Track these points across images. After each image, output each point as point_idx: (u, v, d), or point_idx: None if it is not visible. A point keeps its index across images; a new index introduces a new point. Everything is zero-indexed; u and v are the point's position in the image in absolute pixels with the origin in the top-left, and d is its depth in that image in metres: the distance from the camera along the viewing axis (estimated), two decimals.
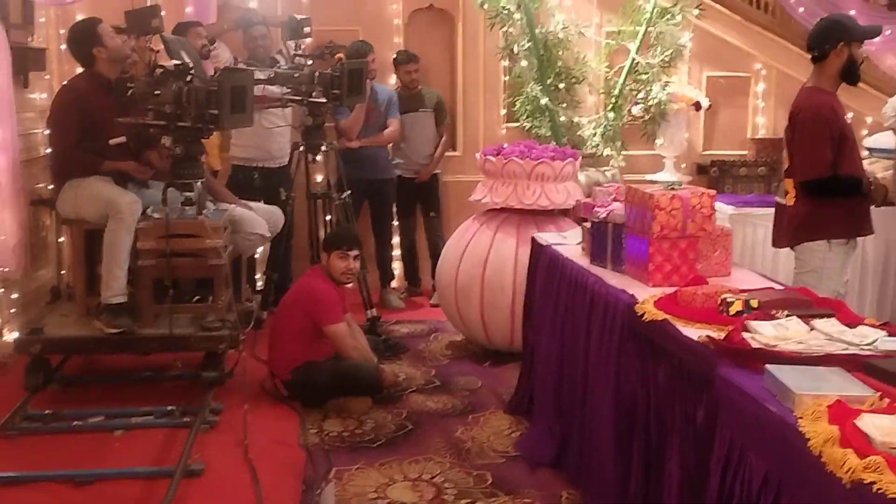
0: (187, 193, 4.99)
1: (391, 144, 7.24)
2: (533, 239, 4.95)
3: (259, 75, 5.63)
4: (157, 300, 5.10)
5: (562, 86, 7.48)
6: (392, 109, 7.06)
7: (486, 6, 7.18)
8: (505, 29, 7.30)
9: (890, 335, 2.91)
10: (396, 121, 7.06)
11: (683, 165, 7.83)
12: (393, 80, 7.49)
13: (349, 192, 6.32)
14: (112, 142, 5.06)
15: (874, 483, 1.95)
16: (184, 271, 5.12)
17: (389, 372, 5.38)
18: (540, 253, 4.76)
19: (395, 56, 7.34)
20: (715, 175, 7.46)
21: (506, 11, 7.15)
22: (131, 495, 3.98)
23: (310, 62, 5.98)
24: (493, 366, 5.68)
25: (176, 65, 4.76)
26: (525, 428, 4.66)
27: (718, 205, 6.20)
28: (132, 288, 5.06)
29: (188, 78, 4.72)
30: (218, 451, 4.42)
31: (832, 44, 4.11)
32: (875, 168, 5.13)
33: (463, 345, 6.13)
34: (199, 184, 5.03)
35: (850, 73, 4.16)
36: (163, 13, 6.14)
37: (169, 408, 4.87)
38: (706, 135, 8.02)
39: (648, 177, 7.50)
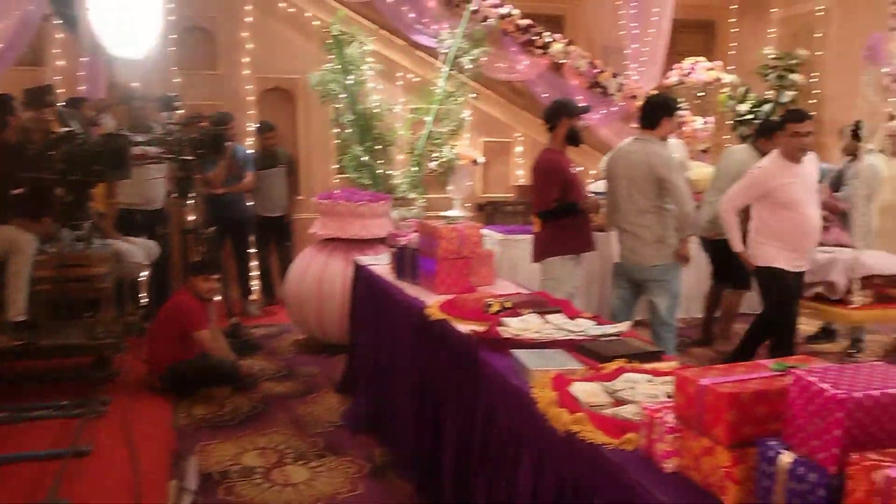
0: (78, 232, 4.69)
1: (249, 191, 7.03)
2: (354, 261, 4.91)
3: (139, 139, 5.35)
4: (56, 316, 4.76)
5: (378, 147, 7.46)
6: (248, 165, 6.87)
7: (318, 88, 7.10)
8: (334, 105, 7.24)
9: (598, 324, 3.04)
10: (252, 174, 6.86)
11: (468, 205, 7.96)
12: (249, 142, 7.29)
13: (214, 228, 6.10)
14: (14, 192, 4.70)
15: (579, 432, 2.02)
16: (76, 293, 4.79)
17: (246, 366, 5.19)
18: (360, 271, 4.72)
19: (257, 126, 7.17)
20: (489, 211, 7.67)
21: (334, 92, 7.10)
22: (29, 474, 3.66)
23: (180, 128, 5.73)
24: (328, 357, 5.57)
25: (66, 131, 4.47)
26: (350, 403, 4.58)
27: (490, 233, 6.39)
28: (33, 307, 4.68)
29: (77, 142, 4.44)
30: (105, 435, 4.13)
31: (558, 118, 4.28)
32: None
33: (305, 342, 5.99)
34: (87, 224, 4.74)
35: (573, 139, 4.32)
36: (60, 91, 5.76)
37: (64, 402, 4.52)
38: (483, 182, 8.22)
39: (443, 213, 7.60)
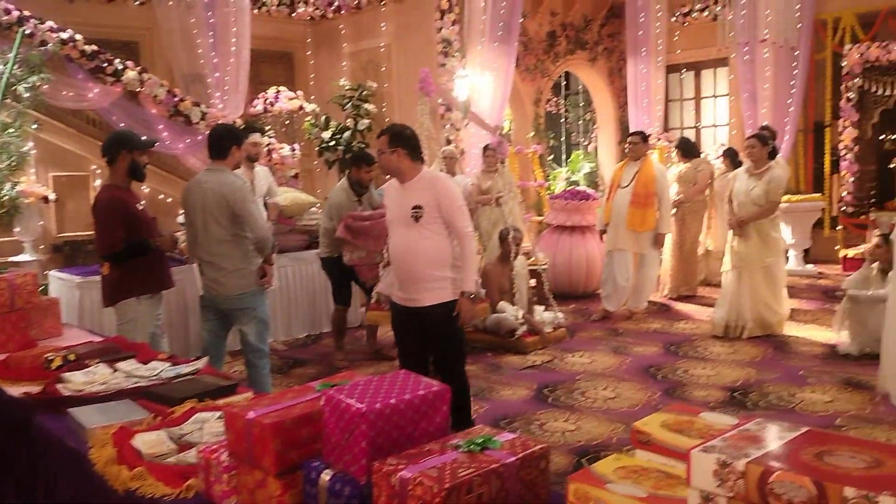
0: None
1: None
2: None
3: None
4: None
5: None
6: None
7: None
8: None
9: (173, 365, 2.89)
10: None
11: (42, 247, 7.10)
12: None
13: None
14: None
15: (139, 489, 1.88)
16: None
17: None
18: None
19: None
20: (68, 252, 6.93)
21: None
22: None
23: None
24: None
25: None
26: None
27: (68, 276, 5.77)
28: None
29: None
30: None
31: (118, 151, 3.98)
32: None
33: None
34: None
35: (136, 173, 4.06)
36: None
37: None
38: (58, 221, 7.38)
39: (11, 258, 6.67)
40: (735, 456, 1.08)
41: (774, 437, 1.18)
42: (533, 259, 7.03)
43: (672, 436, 1.35)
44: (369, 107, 9.34)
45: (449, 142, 8.23)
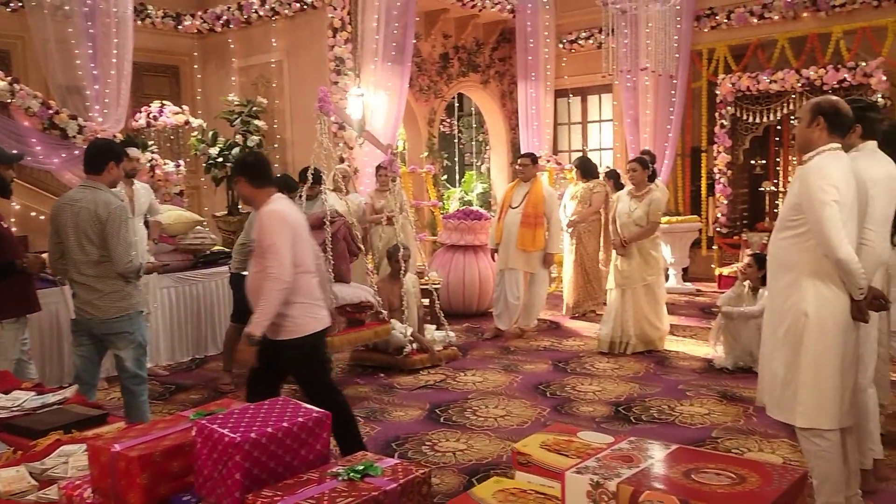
0: None
1: None
2: None
3: None
4: None
5: None
6: None
7: None
8: None
9: (38, 394, 2.69)
10: None
11: None
12: None
13: None
14: None
15: None
16: None
17: None
18: None
19: None
20: None
21: None
22: None
23: None
24: None
25: None
26: None
27: None
28: None
29: None
30: None
31: None
32: None
33: None
34: None
35: (1, 189, 3.81)
36: None
37: None
38: None
39: None
40: (607, 476, 1.10)
41: (646, 455, 1.21)
42: (426, 278, 7.04)
43: (550, 456, 1.36)
44: (259, 123, 9.14)
45: (342, 160, 8.16)
